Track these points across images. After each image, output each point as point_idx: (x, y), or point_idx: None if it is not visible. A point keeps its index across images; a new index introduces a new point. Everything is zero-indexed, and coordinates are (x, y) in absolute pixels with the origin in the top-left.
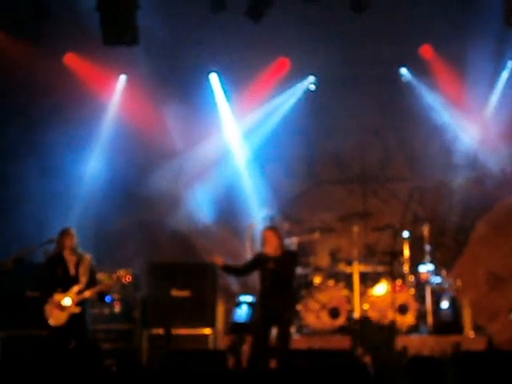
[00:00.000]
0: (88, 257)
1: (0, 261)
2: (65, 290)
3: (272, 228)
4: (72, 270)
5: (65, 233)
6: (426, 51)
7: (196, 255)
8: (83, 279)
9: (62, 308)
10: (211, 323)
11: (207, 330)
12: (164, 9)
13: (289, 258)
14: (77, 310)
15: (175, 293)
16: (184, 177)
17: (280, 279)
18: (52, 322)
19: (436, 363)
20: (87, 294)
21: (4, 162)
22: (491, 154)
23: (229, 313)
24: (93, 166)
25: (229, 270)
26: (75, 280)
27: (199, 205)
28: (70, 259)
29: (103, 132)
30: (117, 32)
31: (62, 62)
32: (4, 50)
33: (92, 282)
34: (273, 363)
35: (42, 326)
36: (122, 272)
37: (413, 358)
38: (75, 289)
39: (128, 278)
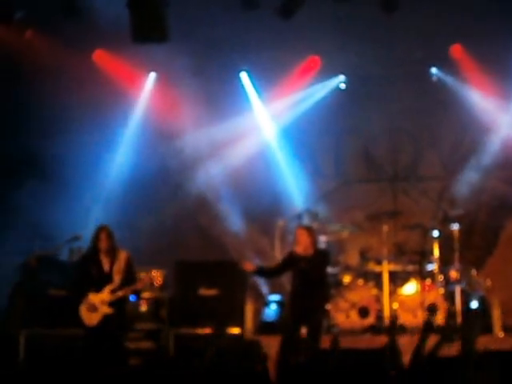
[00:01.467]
0: (125, 254)
1: (24, 259)
2: (98, 289)
3: (304, 227)
4: (106, 269)
5: (100, 232)
6: (457, 51)
7: (225, 254)
8: (117, 278)
9: (95, 309)
10: (240, 323)
11: (236, 330)
12: (194, 6)
13: (321, 258)
14: (109, 310)
15: (203, 292)
16: (214, 176)
17: (311, 279)
18: (85, 322)
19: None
20: (121, 293)
21: (31, 158)
22: None
23: (258, 312)
24: (120, 163)
25: (261, 273)
26: (109, 279)
27: (229, 203)
28: (105, 257)
29: (131, 129)
30: (146, 30)
31: (91, 59)
32: (33, 47)
33: (129, 280)
34: (302, 362)
35: (67, 324)
36: (154, 273)
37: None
38: (108, 288)
39: (159, 281)
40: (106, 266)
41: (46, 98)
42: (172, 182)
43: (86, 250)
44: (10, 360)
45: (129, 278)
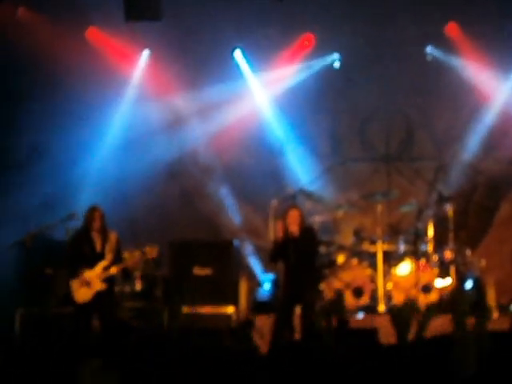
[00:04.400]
0: (114, 234)
1: (19, 238)
2: (91, 266)
3: (296, 207)
4: (98, 247)
5: (92, 211)
6: (452, 29)
7: (219, 234)
8: (109, 256)
9: (88, 285)
10: (234, 301)
11: (230, 309)
12: None
13: (308, 235)
14: (103, 286)
15: (197, 271)
16: (207, 154)
17: (302, 257)
18: (78, 298)
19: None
20: (113, 270)
21: (24, 136)
22: None
23: (252, 291)
24: (112, 142)
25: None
26: (101, 257)
27: (222, 183)
28: (97, 236)
29: (125, 106)
30: (139, 7)
31: (84, 37)
32: (25, 25)
33: (118, 260)
34: (295, 341)
35: (63, 303)
36: (148, 248)
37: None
38: (101, 265)
39: (154, 254)
40: (98, 245)
41: (39, 76)
42: (164, 160)
43: (77, 228)
44: (5, 339)
45: (118, 257)
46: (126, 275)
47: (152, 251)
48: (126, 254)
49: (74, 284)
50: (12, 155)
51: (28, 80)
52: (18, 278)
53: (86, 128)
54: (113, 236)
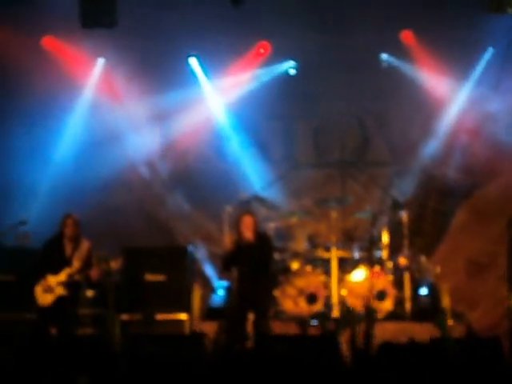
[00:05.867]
0: (87, 243)
1: None
2: (56, 272)
3: (250, 213)
4: (67, 254)
5: (65, 218)
6: (407, 37)
7: (172, 239)
8: (76, 264)
9: (50, 289)
10: (187, 308)
11: (183, 315)
12: None
13: (263, 242)
14: (64, 292)
15: (149, 277)
16: (160, 159)
17: (256, 264)
18: (39, 302)
19: (414, 350)
20: (77, 277)
21: None
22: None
23: (205, 298)
24: (66, 149)
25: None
26: (69, 263)
27: (176, 188)
28: (68, 243)
29: (79, 114)
30: (95, 14)
31: (40, 44)
32: None
33: (86, 268)
34: (248, 348)
35: (14, 309)
36: (113, 262)
37: (388, 344)
38: (66, 271)
39: (118, 265)
40: (67, 251)
41: None
42: (117, 167)
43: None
44: None
45: (87, 265)
46: (90, 283)
47: (116, 263)
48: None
49: (38, 288)
50: None
51: None
52: None
53: (40, 135)
54: (85, 245)
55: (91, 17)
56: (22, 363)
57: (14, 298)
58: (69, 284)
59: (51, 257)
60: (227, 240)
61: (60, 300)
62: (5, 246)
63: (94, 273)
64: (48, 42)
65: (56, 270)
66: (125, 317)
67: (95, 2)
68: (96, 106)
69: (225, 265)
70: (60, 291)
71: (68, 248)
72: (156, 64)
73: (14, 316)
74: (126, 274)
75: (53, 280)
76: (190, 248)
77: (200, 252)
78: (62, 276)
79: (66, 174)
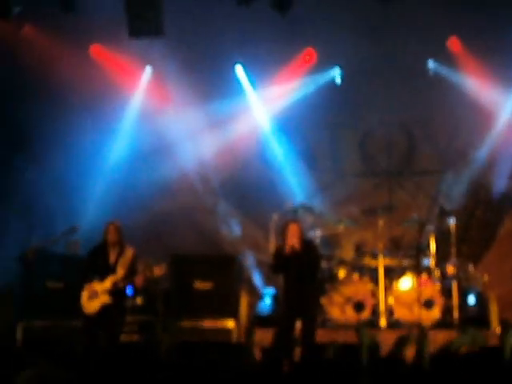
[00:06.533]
0: (131, 250)
1: (22, 252)
2: (102, 279)
3: (296, 221)
4: (111, 261)
5: (107, 225)
6: (453, 44)
7: (220, 248)
8: (121, 271)
9: (96, 296)
10: (234, 315)
11: (230, 323)
12: (190, 0)
13: (309, 250)
14: (109, 300)
15: (198, 285)
16: (208, 170)
17: (303, 272)
18: (85, 310)
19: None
20: (121, 284)
21: (31, 152)
22: None
23: (252, 305)
24: (116, 159)
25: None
26: (113, 271)
27: (223, 197)
28: (112, 250)
29: (127, 122)
30: (142, 24)
31: (88, 54)
32: (31, 43)
33: (130, 275)
34: (296, 356)
35: (66, 316)
36: (156, 268)
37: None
38: (111, 279)
39: (161, 272)
40: (112, 258)
41: (43, 92)
42: (167, 174)
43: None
44: (7, 352)
45: (131, 272)
46: (135, 292)
47: (160, 270)
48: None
49: (84, 295)
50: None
51: (32, 97)
52: (20, 292)
53: (90, 144)
54: (129, 252)
55: (138, 26)
56: (72, 369)
57: (64, 305)
58: (114, 291)
59: (96, 264)
60: (273, 248)
61: (105, 307)
62: (56, 253)
63: (139, 280)
64: (95, 50)
65: (101, 278)
66: (173, 324)
67: (142, 11)
68: (145, 115)
69: (275, 267)
70: (105, 299)
71: (112, 255)
72: (203, 72)
73: (64, 323)
74: (174, 282)
75: (98, 287)
76: (238, 256)
77: (247, 260)
78: (107, 283)
79: (115, 183)
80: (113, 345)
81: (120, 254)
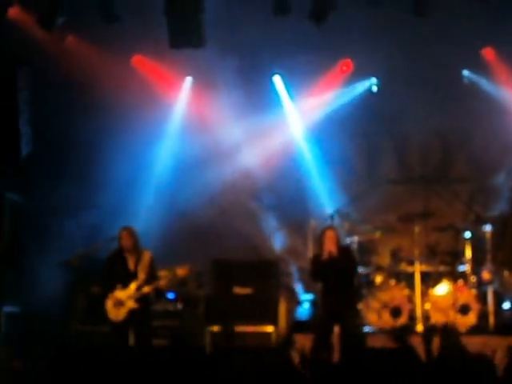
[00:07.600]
0: (148, 254)
1: (67, 258)
2: (124, 286)
3: (332, 227)
4: (131, 267)
5: (122, 233)
6: (488, 53)
7: (259, 254)
8: (142, 275)
9: (121, 304)
10: (273, 321)
11: (269, 328)
12: (228, 11)
13: (346, 256)
14: (135, 305)
15: (237, 290)
16: (248, 176)
17: (341, 277)
18: (112, 317)
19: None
20: (146, 289)
21: (77, 161)
22: None
23: (291, 311)
24: (160, 169)
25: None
26: (134, 276)
27: (262, 203)
28: (130, 256)
29: (170, 132)
30: (183, 35)
31: (130, 65)
32: (74, 53)
33: (151, 279)
34: (335, 361)
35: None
36: (178, 269)
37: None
38: (134, 285)
39: (184, 273)
40: (131, 264)
41: (86, 104)
42: (208, 183)
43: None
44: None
45: (152, 276)
46: (160, 294)
47: (183, 271)
48: (162, 273)
49: (108, 303)
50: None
51: (74, 107)
52: (66, 297)
53: (133, 154)
54: (146, 255)
55: (179, 38)
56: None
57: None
58: (139, 297)
59: (115, 271)
60: (311, 254)
61: (133, 313)
62: (98, 259)
63: (163, 282)
64: (137, 61)
65: (123, 284)
66: (213, 328)
67: (183, 23)
68: (187, 126)
69: (314, 274)
70: (131, 304)
71: (131, 261)
72: (242, 83)
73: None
74: (215, 287)
75: (122, 294)
76: (278, 262)
77: (286, 266)
78: (132, 289)
79: (161, 193)
80: (145, 348)
81: (138, 259)
